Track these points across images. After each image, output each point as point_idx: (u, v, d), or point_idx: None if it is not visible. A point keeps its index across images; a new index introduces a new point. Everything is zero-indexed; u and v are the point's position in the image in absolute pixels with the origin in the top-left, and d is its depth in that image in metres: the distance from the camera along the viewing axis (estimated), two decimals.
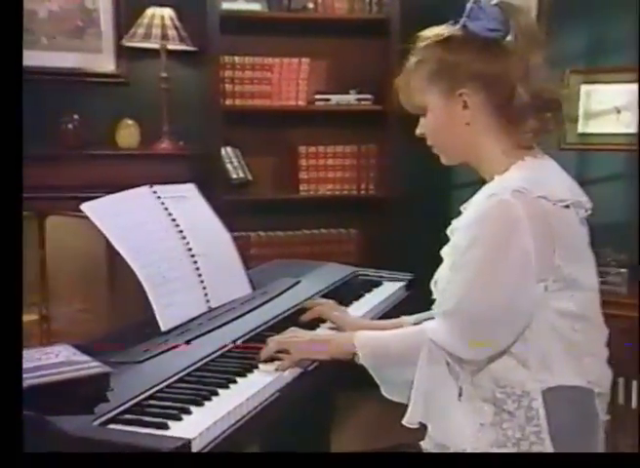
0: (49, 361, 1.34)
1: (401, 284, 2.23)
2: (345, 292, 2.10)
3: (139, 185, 2.84)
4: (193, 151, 3.50)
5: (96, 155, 3.43)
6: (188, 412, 1.30)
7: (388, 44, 3.52)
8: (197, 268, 1.82)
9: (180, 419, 1.27)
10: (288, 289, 2.06)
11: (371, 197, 3.76)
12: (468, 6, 1.47)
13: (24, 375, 1.26)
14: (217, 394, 1.39)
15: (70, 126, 3.47)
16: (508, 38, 1.46)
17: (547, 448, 1.40)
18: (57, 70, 3.56)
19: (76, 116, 3.46)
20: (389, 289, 2.19)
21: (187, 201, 1.93)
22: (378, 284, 2.22)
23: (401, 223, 3.62)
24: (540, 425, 1.40)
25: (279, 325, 1.75)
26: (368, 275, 2.32)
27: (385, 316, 2.00)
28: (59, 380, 1.26)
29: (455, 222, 1.51)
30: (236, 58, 3.53)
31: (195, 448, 1.20)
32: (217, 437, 1.26)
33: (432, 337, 1.42)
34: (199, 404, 1.34)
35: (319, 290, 2.07)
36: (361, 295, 2.09)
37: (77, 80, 3.59)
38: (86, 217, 1.67)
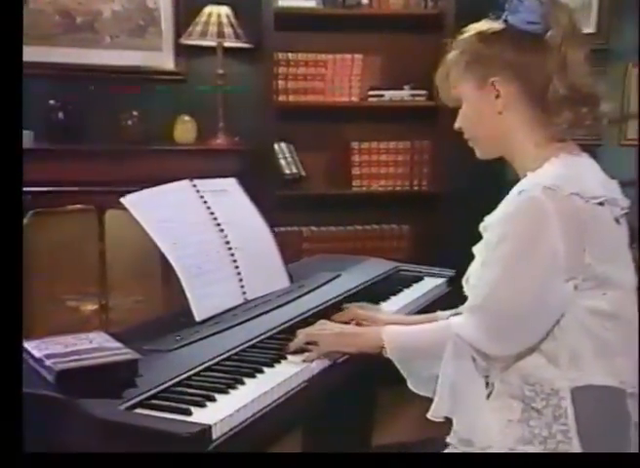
0: (82, 346, 1.40)
1: (442, 280, 2.24)
2: (384, 287, 2.12)
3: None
4: (248, 147, 3.56)
5: (153, 150, 3.52)
6: (213, 400, 1.34)
7: (443, 39, 3.49)
8: (234, 261, 1.86)
9: (203, 406, 1.31)
10: (326, 282, 2.09)
11: (424, 193, 3.76)
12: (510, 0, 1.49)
13: (58, 359, 1.33)
14: (243, 383, 1.43)
15: (130, 122, 3.57)
16: (550, 33, 1.46)
17: (575, 447, 1.38)
18: (119, 68, 3.66)
19: (135, 112, 3.56)
20: (429, 284, 2.20)
21: (228, 195, 1.98)
22: (418, 279, 2.23)
23: (453, 220, 3.60)
24: (568, 424, 1.39)
25: (312, 318, 1.78)
26: (409, 270, 2.33)
27: (423, 312, 2.01)
28: (89, 365, 1.32)
29: (487, 219, 1.52)
30: (290, 55, 3.57)
31: (215, 435, 1.24)
32: (239, 424, 1.29)
33: (458, 332, 1.43)
34: (224, 392, 1.38)
35: (357, 284, 2.09)
36: (400, 290, 2.10)
37: (138, 78, 3.69)
38: None
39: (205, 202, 1.88)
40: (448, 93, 1.56)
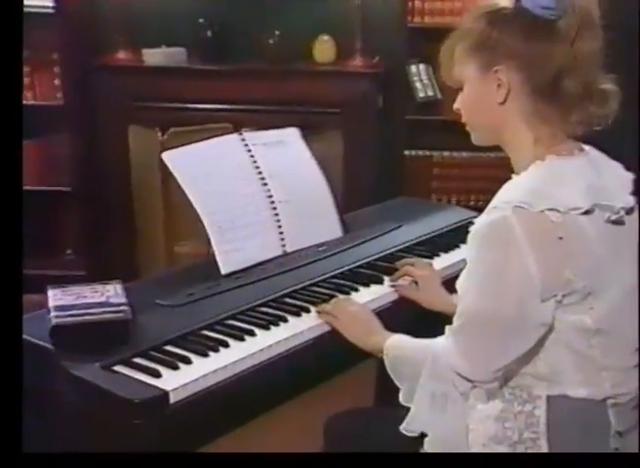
0: (90, 300, 1.54)
1: None
2: (440, 243, 2.09)
3: (330, 101, 3.08)
4: (382, 69, 3.51)
5: (291, 71, 3.58)
6: (188, 362, 1.44)
7: None
8: (276, 214, 1.92)
9: (176, 368, 1.42)
10: (381, 234, 2.10)
11: None
12: None
13: (60, 313, 1.49)
14: (227, 345, 1.51)
15: (271, 41, 3.64)
16: (563, 22, 1.32)
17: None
18: None
19: (277, 32, 3.62)
20: None
21: (283, 146, 2.01)
22: None
23: None
24: (539, 432, 1.35)
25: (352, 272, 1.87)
26: None
27: None
28: (81, 322, 1.46)
29: (475, 221, 1.41)
30: None
31: (174, 399, 1.35)
32: (201, 390, 1.39)
33: (440, 354, 1.40)
34: (204, 354, 1.47)
35: (413, 238, 2.08)
36: (456, 246, 2.06)
37: None
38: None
39: (252, 156, 1.93)
40: (449, 71, 1.46)
